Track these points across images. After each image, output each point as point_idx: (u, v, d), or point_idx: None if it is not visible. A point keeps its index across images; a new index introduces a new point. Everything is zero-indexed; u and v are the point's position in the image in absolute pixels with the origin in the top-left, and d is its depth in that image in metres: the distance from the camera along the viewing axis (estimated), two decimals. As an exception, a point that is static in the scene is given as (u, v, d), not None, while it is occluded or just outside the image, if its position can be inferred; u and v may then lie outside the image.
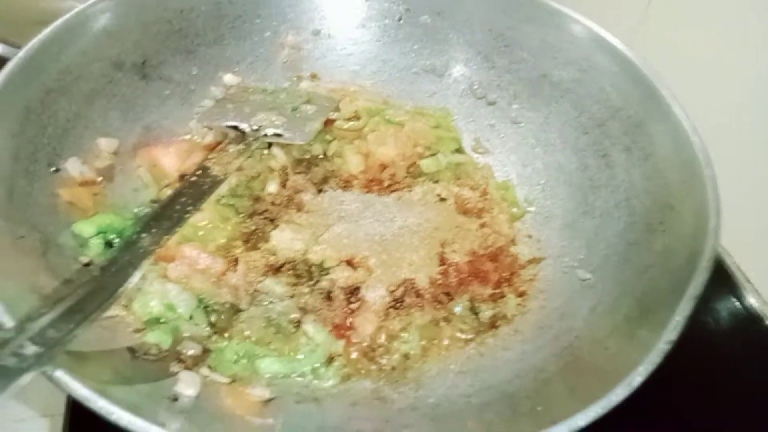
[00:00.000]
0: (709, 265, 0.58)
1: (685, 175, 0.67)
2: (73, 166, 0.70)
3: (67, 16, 0.70)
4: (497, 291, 0.73)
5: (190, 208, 0.66)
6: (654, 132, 0.73)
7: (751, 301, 0.87)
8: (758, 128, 0.83)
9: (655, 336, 0.53)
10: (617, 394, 0.49)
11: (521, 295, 0.73)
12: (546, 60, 0.84)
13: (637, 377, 0.50)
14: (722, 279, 0.88)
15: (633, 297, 0.63)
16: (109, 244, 0.67)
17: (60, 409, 0.70)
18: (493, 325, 0.71)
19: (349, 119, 0.87)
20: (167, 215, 0.65)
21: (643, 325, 0.58)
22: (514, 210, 0.82)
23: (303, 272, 0.71)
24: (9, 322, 0.48)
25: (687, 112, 0.70)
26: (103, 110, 0.75)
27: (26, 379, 0.44)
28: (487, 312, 0.71)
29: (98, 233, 0.67)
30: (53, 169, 0.68)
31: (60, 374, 0.46)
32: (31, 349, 0.45)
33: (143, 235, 0.62)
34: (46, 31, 0.68)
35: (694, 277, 0.57)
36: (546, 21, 0.84)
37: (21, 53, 0.65)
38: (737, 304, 0.87)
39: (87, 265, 0.64)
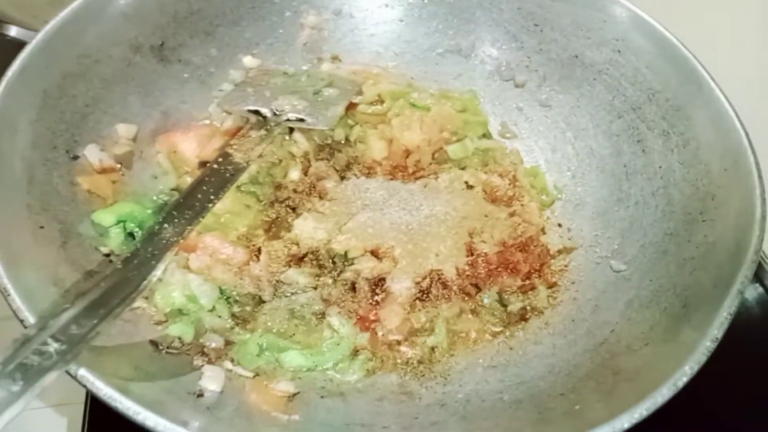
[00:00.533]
0: (756, 258, 0.55)
1: (728, 163, 0.64)
2: (92, 153, 0.68)
3: (85, -3, 0.68)
4: (527, 282, 0.70)
5: (212, 197, 0.65)
6: (694, 116, 0.70)
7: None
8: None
9: (699, 333, 0.51)
10: (663, 395, 0.47)
11: (552, 286, 0.71)
12: (578, 40, 0.81)
13: (682, 377, 0.48)
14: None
15: (673, 291, 0.60)
16: (129, 234, 0.66)
17: (80, 398, 0.69)
18: (522, 317, 0.69)
19: (372, 103, 0.84)
20: (189, 205, 0.63)
21: (685, 321, 0.55)
22: (543, 197, 0.80)
23: (326, 263, 0.69)
24: (30, 318, 0.47)
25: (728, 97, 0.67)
26: (122, 95, 0.73)
27: (50, 378, 0.42)
28: (516, 304, 0.69)
29: (118, 222, 0.66)
30: (72, 156, 0.66)
31: (84, 373, 0.45)
32: (54, 347, 0.44)
33: (165, 225, 0.60)
34: (64, 14, 0.66)
35: (740, 271, 0.54)
36: (579, -1, 0.80)
37: (39, 36, 0.63)
38: (762, 290, 0.84)
39: (107, 255, 0.63)
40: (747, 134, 0.64)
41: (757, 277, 0.85)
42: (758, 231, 0.57)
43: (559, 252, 0.74)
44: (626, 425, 0.45)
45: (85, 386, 0.45)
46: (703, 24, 0.87)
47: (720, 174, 0.65)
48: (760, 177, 0.61)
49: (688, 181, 0.68)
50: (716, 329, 0.50)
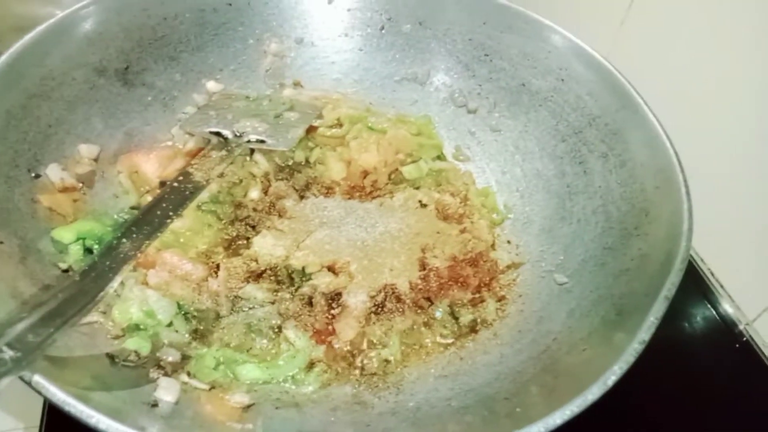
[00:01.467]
0: (682, 267, 0.59)
1: (660, 181, 0.69)
2: (54, 173, 0.70)
3: (51, 21, 0.70)
4: (477, 296, 0.73)
5: (171, 213, 0.66)
6: (630, 139, 0.75)
7: (725, 307, 0.89)
8: (730, 136, 0.85)
9: (630, 337, 0.54)
10: (593, 393, 0.50)
11: (500, 299, 0.74)
12: (525, 69, 0.86)
13: (611, 376, 0.51)
14: (697, 285, 0.91)
15: (610, 300, 0.64)
16: (88, 251, 0.67)
17: (35, 421, 0.69)
18: (472, 329, 0.71)
19: (331, 126, 0.88)
20: (148, 220, 0.65)
21: (619, 327, 0.59)
22: (494, 216, 0.84)
23: (284, 278, 0.71)
24: (-14, 327, 0.48)
25: (660, 120, 0.72)
26: (85, 116, 0.75)
27: (3, 383, 0.43)
28: (467, 316, 0.71)
29: (78, 239, 0.67)
30: (34, 174, 0.68)
31: (38, 379, 0.46)
32: (8, 354, 0.45)
33: (124, 240, 0.62)
34: (29, 36, 0.68)
35: (668, 279, 0.58)
36: (526, 31, 0.85)
37: (3, 58, 0.65)
38: (711, 310, 0.89)
39: (66, 271, 0.64)
40: (677, 154, 0.69)
41: (710, 300, 0.90)
42: (685, 242, 0.61)
43: (508, 267, 0.78)
44: (558, 421, 0.48)
45: (39, 393, 0.46)
46: (647, 51, 0.94)
47: (653, 191, 0.69)
48: (687, 193, 0.65)
49: (625, 198, 0.72)
50: (644, 333, 0.54)
